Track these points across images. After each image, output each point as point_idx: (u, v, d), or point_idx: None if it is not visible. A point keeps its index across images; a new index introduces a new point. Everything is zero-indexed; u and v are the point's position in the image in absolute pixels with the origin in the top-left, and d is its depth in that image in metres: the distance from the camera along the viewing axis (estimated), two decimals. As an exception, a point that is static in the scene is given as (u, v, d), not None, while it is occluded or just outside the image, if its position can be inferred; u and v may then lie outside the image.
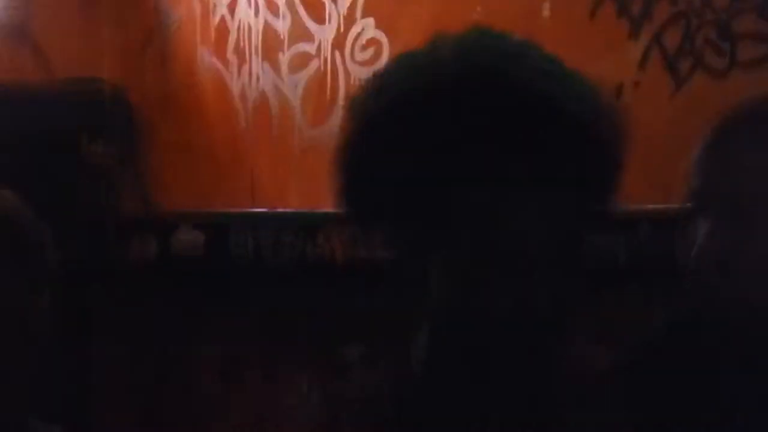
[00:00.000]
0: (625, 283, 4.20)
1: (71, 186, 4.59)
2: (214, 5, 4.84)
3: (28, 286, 2.52)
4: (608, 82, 3.94)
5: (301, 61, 4.71)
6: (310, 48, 4.69)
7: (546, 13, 4.31)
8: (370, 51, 4.61)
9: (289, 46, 4.74)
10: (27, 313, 2.53)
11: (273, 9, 4.77)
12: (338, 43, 4.67)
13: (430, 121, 2.12)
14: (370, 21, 4.67)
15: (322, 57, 4.68)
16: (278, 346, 4.64)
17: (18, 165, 3.83)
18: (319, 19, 4.72)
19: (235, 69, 4.84)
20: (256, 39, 4.80)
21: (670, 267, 4.00)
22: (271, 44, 4.75)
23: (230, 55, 4.81)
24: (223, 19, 4.84)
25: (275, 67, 4.76)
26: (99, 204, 4.71)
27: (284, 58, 4.74)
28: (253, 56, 4.78)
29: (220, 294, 4.74)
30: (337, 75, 4.65)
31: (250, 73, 4.81)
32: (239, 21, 4.83)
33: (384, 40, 4.63)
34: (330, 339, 4.50)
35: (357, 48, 4.64)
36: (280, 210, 4.67)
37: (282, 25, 4.76)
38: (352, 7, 4.68)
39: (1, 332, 2.50)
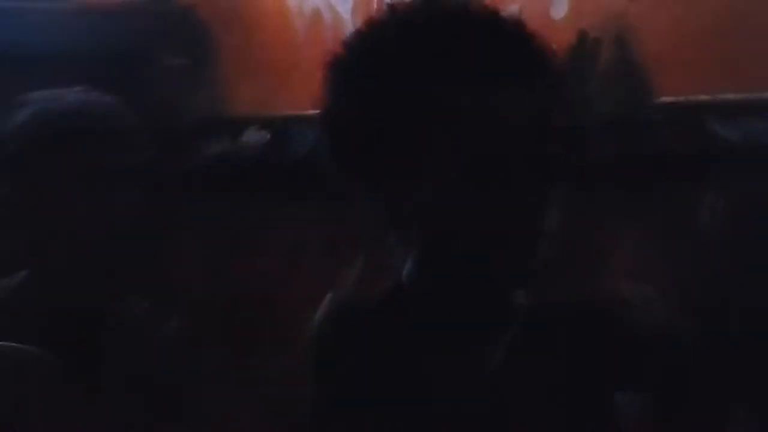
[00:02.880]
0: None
1: (152, 93, 4.72)
2: (272, -67, 4.74)
3: (120, 182, 2.86)
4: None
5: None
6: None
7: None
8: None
9: (339, -34, 4.66)
10: (117, 207, 2.88)
11: (324, -67, 4.68)
12: (381, -36, 4.59)
13: (413, 62, 2.28)
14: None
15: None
16: (337, 230, 4.74)
17: (105, 76, 3.99)
18: (364, -57, 4.63)
19: (291, -12, 4.77)
20: (310, -40, 4.70)
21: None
22: (322, -35, 4.69)
23: (287, -25, 4.73)
24: (280, -56, 4.77)
25: (327, -17, 4.71)
26: (177, 108, 4.87)
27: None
28: (308, -26, 4.72)
29: (283, 186, 4.84)
30: (385, -8, 4.63)
31: (305, -8, 4.74)
32: (294, -55, 4.73)
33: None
34: (381, 225, 4.63)
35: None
36: None
37: (332, -53, 4.67)
38: (392, -65, 4.67)
39: (97, 222, 2.87)
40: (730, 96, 4.28)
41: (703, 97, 4.30)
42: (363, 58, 2.39)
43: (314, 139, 4.55)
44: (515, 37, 2.32)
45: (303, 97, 4.53)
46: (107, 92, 3.02)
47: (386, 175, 2.34)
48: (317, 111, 4.36)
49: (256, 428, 4.38)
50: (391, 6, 2.45)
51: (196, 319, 4.43)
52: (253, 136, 4.92)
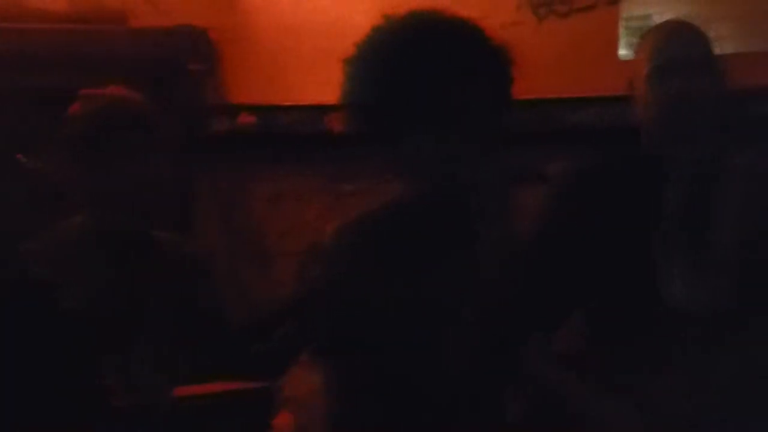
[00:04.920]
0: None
1: (177, 88, 4.65)
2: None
3: (153, 145, 2.85)
4: (497, 21, 4.08)
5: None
6: (323, 1, 4.87)
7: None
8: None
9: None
10: (154, 161, 2.87)
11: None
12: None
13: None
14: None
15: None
16: (306, 183, 4.77)
17: (144, 78, 3.88)
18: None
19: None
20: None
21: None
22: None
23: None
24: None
25: (302, 13, 4.88)
26: (194, 99, 4.77)
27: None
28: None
29: (268, 153, 4.79)
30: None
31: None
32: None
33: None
34: (334, 180, 4.62)
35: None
36: (304, 103, 4.51)
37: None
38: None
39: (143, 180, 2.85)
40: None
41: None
42: (369, 55, 2.43)
43: (289, 120, 4.61)
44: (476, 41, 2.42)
45: (282, 91, 4.75)
46: (146, 89, 2.94)
47: (397, 129, 2.37)
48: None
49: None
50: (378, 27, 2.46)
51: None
52: (244, 117, 4.83)
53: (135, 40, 4.66)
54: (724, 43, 3.01)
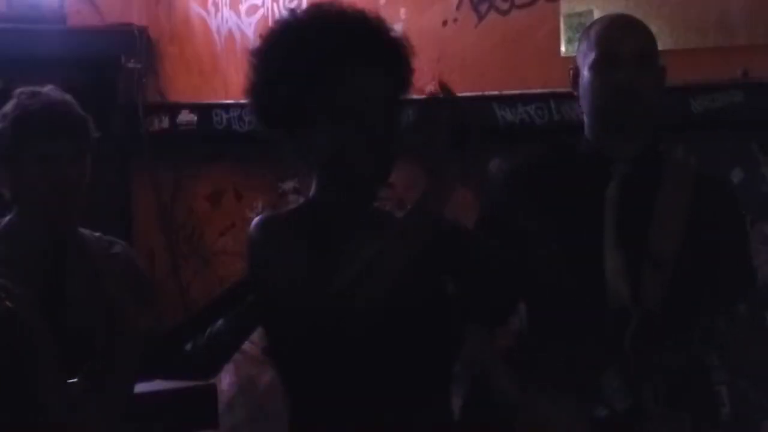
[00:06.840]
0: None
1: (116, 87, 4.78)
2: (200, -27, 5.35)
3: (78, 153, 2.77)
4: (439, 18, 4.44)
5: (253, 10, 4.87)
6: (258, 1, 4.84)
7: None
8: (295, 2, 4.67)
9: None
10: (78, 169, 2.77)
11: (237, -24, 5.26)
12: (276, -1, 5.06)
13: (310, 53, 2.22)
14: (296, -16, 5.01)
15: (266, 7, 4.82)
16: (244, 182, 4.89)
17: (83, 76, 4.32)
18: (265, -16, 5.16)
19: (213, 15, 4.99)
20: (226, -5, 5.30)
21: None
22: (235, -1, 5.19)
23: (210, 6, 5.01)
24: (205, -17, 5.36)
25: (237, 13, 4.93)
26: (132, 96, 4.88)
27: (243, 8, 4.91)
28: (224, 7, 4.96)
29: (207, 151, 4.94)
30: (275, 18, 4.46)
31: (223, 18, 4.95)
32: (215, -16, 5.34)
33: (303, -4, 5.00)
34: (275, 177, 4.69)
35: (286, 1, 4.71)
36: (242, 101, 4.43)
37: (241, -14, 5.23)
38: (286, -24, 5.05)
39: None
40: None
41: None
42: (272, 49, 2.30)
43: (228, 118, 4.77)
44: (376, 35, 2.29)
45: (220, 89, 4.97)
46: (84, 87, 2.92)
47: (295, 125, 2.27)
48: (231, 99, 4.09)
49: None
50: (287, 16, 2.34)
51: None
52: (185, 117, 4.94)
53: (73, 39, 4.73)
54: (661, 39, 3.06)
